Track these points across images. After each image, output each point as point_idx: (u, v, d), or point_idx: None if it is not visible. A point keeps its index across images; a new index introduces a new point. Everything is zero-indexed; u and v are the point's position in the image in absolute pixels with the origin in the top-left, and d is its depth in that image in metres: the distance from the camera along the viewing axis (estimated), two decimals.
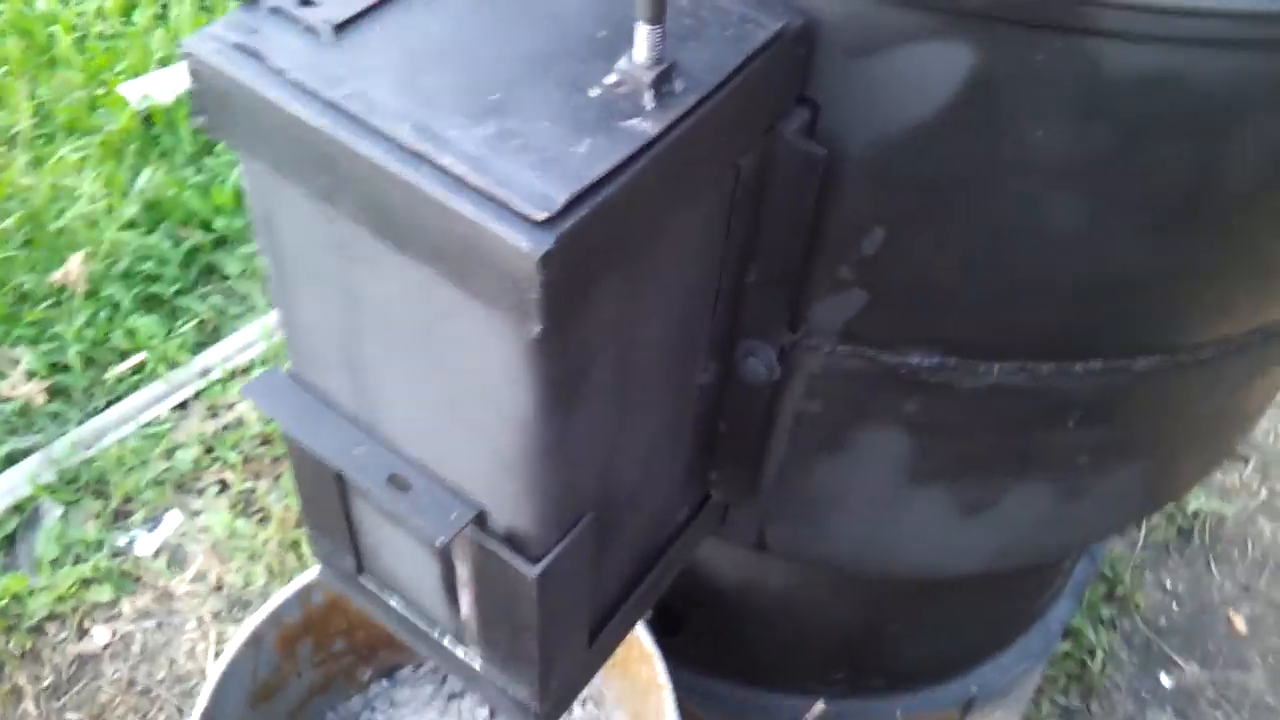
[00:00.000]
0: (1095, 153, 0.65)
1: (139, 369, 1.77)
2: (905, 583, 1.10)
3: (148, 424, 1.73)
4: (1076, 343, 0.77)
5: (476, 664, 0.79)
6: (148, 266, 1.85)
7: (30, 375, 1.71)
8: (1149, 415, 0.85)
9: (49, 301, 1.78)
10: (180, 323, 1.82)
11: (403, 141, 0.49)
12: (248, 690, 1.05)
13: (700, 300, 0.68)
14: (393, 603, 0.83)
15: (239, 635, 1.03)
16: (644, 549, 0.83)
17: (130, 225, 1.89)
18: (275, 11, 0.54)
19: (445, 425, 0.63)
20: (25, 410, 1.70)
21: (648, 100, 0.52)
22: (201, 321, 1.84)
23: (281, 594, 1.06)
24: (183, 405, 1.77)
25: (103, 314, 1.79)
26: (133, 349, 1.78)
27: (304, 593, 1.07)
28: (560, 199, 0.47)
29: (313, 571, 1.09)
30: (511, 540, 0.66)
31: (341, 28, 0.54)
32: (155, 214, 1.92)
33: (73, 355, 1.73)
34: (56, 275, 1.81)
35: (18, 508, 1.61)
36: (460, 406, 0.60)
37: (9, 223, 1.84)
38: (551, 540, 0.66)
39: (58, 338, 1.75)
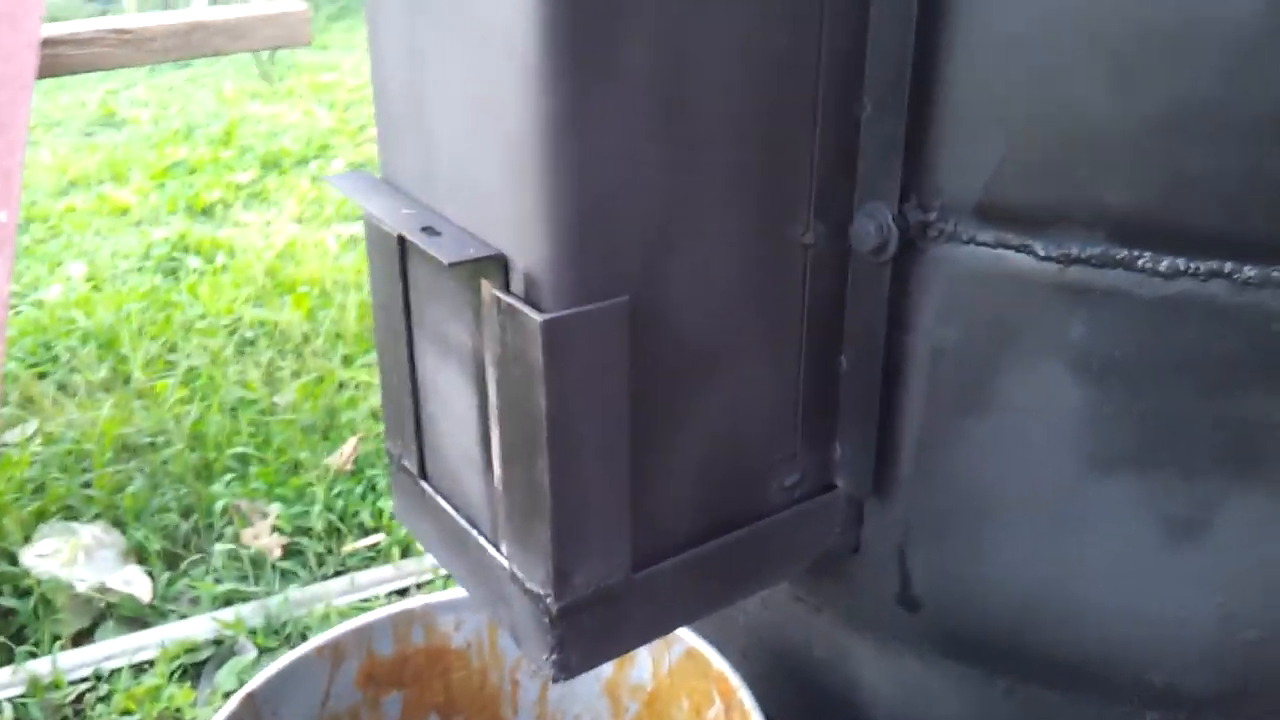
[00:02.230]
0: None
1: (374, 549, 1.79)
2: None
3: (366, 599, 1.72)
4: None
5: (505, 560, 0.67)
6: None
7: (274, 530, 1.78)
8: None
9: (316, 472, 1.88)
10: None
11: None
12: (313, 715, 0.93)
13: (791, 87, 0.61)
14: (443, 505, 0.73)
15: (315, 640, 0.93)
16: (729, 476, 0.69)
17: None
18: None
19: (476, 148, 0.59)
20: (259, 561, 1.75)
21: None
22: None
23: (374, 614, 0.96)
24: (404, 591, 1.75)
25: (358, 490, 1.85)
26: (375, 528, 1.81)
27: (400, 621, 0.97)
28: None
29: (409, 601, 0.98)
30: (530, 291, 0.58)
31: None
32: None
33: (317, 517, 1.79)
34: (332, 458, 1.92)
35: (218, 641, 1.62)
36: (485, 98, 0.57)
37: (306, 408, 2.01)
38: (569, 289, 0.57)
39: (312, 502, 1.82)
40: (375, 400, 2.05)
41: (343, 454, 1.92)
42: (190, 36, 1.77)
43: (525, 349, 0.58)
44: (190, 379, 2.17)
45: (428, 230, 0.62)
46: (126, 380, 2.19)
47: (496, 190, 0.59)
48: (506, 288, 0.60)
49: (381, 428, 2.00)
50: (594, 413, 0.60)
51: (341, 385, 2.12)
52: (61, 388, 2.18)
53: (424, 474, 0.76)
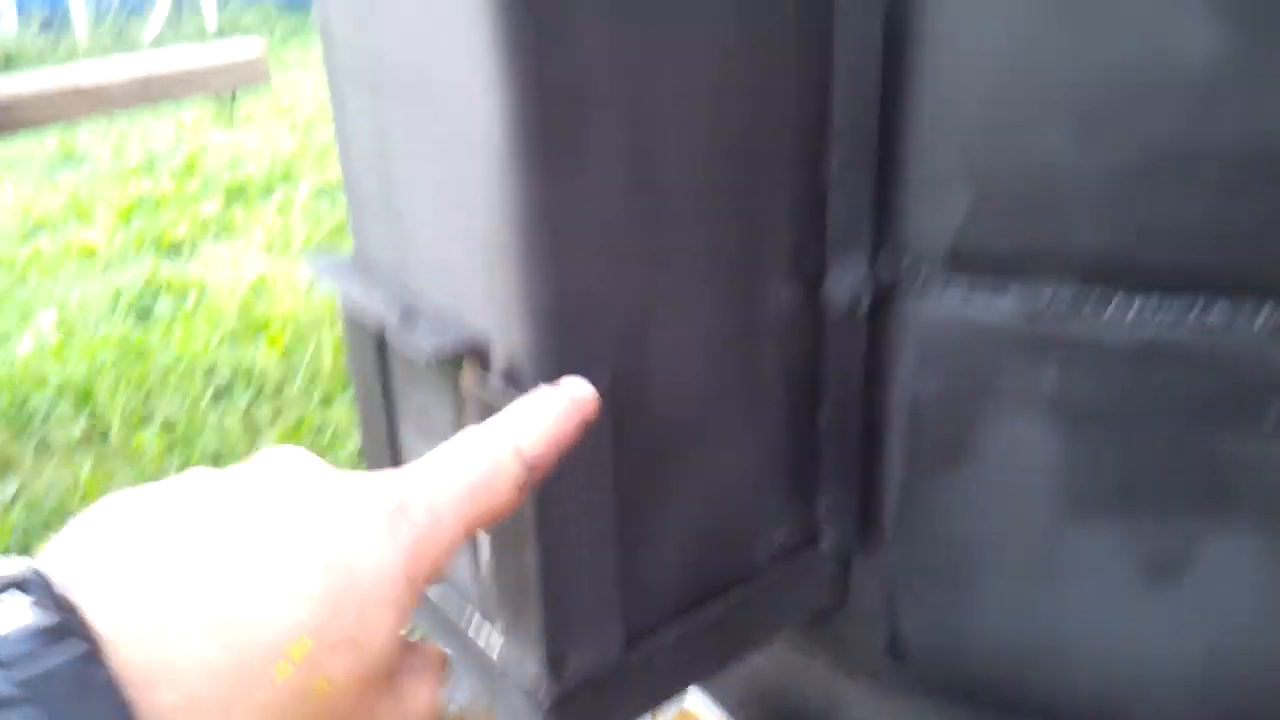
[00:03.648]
0: None
1: None
2: None
3: None
4: (1254, 270, 0.60)
5: (495, 647, 0.66)
6: None
7: None
8: None
9: None
10: None
11: None
12: None
13: (759, 152, 0.60)
14: (430, 591, 0.72)
15: None
16: (716, 542, 0.69)
17: None
18: None
19: (449, 234, 0.58)
20: None
21: None
22: None
23: None
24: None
25: None
26: None
27: None
28: None
29: None
30: (510, 378, 0.57)
31: None
32: None
33: None
34: None
35: None
36: (454, 188, 0.56)
37: None
38: (550, 376, 0.56)
39: None
40: (356, 443, 2.04)
41: None
42: (148, 86, 1.76)
43: None
44: (168, 429, 2.15)
45: (405, 318, 0.61)
46: (104, 434, 2.17)
47: (473, 277, 0.58)
48: (486, 371, 0.59)
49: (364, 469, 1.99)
50: (581, 497, 0.59)
51: (320, 429, 2.11)
52: (40, 445, 2.16)
53: None
